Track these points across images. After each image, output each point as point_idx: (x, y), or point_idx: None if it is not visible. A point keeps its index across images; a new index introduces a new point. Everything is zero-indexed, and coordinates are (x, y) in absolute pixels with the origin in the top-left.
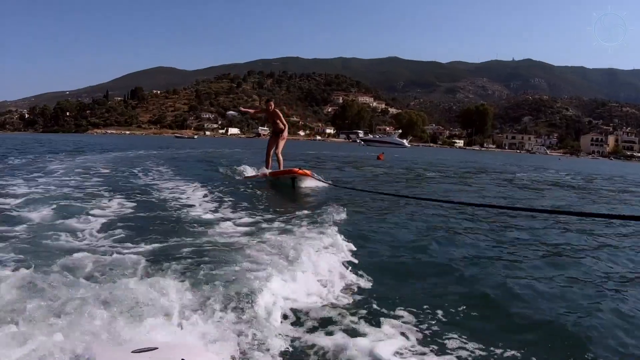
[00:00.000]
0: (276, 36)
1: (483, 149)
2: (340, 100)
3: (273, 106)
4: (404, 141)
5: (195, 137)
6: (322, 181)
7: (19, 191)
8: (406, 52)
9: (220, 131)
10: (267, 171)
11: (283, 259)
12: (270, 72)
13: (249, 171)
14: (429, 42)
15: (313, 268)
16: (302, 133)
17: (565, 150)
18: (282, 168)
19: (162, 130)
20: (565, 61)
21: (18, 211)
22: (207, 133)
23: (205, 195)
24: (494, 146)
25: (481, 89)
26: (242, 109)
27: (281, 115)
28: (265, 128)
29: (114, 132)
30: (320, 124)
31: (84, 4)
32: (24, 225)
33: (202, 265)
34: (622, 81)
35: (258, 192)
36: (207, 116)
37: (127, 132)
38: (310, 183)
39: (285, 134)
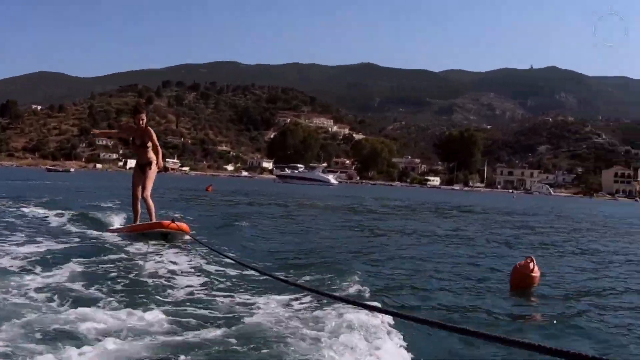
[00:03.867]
0: (207, 33)
1: (467, 188)
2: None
3: (145, 120)
4: (330, 177)
5: (72, 170)
6: (202, 244)
7: None
8: (385, 57)
9: (120, 163)
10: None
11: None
12: (194, 82)
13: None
14: (416, 45)
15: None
16: (229, 167)
17: (578, 190)
18: (153, 217)
19: (41, 161)
20: (602, 70)
21: None
22: (99, 166)
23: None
24: (482, 185)
25: (486, 107)
26: (96, 131)
27: (154, 136)
28: (177, 161)
29: None
30: (258, 155)
31: None
32: None
33: None
34: None
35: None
36: (104, 142)
37: None
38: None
39: (155, 166)
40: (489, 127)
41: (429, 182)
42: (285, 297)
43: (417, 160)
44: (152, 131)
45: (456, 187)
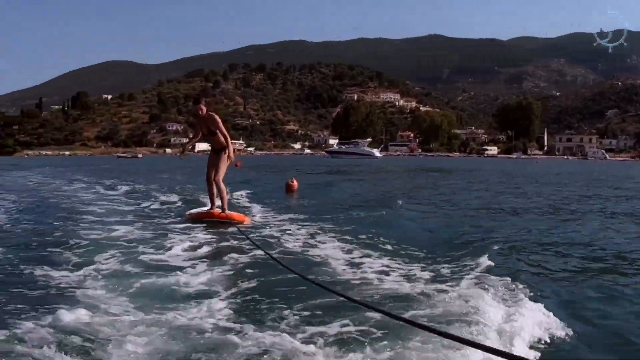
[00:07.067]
0: (273, 13)
1: (524, 156)
2: (356, 100)
3: (205, 109)
4: (374, 151)
5: (140, 156)
6: (248, 238)
7: None
8: (453, 28)
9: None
10: (205, 209)
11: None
12: (260, 64)
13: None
14: (482, 14)
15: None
16: (297, 146)
17: (636, 154)
18: (224, 200)
19: (113, 150)
20: None
21: None
22: (169, 150)
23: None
24: (541, 152)
25: (557, 73)
26: (186, 152)
27: (219, 122)
28: (242, 142)
29: (49, 153)
30: (325, 132)
31: None
32: None
33: None
34: None
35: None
36: (174, 128)
37: (67, 153)
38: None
39: (231, 151)
40: (558, 94)
41: (486, 152)
42: None
43: (479, 131)
44: (216, 118)
45: (514, 155)
